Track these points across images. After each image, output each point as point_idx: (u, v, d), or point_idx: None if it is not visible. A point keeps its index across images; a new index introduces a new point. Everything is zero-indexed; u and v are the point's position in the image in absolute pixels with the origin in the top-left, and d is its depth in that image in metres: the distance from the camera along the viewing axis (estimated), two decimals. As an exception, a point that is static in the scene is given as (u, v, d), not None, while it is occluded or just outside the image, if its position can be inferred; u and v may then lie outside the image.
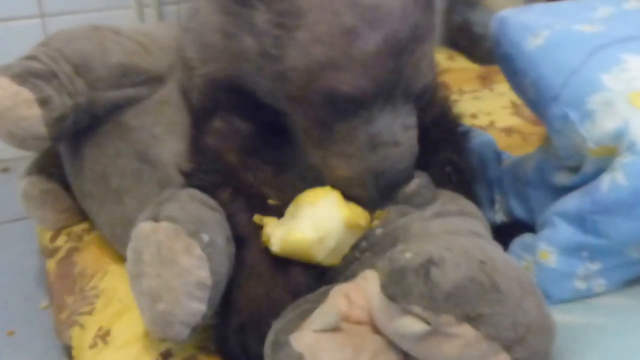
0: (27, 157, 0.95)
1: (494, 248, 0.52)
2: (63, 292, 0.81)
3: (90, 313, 0.73)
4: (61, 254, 0.87)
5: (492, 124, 1.23)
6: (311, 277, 0.61)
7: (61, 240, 0.89)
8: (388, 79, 0.57)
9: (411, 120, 0.61)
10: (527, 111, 1.24)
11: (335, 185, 0.62)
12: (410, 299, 0.45)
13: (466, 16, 1.58)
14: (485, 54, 1.54)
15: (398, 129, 0.60)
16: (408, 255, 0.47)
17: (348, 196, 0.62)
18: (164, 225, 0.57)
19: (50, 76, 0.72)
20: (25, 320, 0.94)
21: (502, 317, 0.45)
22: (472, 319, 0.45)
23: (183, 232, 0.56)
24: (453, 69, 1.53)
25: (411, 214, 0.62)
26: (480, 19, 1.55)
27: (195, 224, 0.57)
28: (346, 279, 0.59)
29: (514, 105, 1.29)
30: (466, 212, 0.64)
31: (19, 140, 0.72)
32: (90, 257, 0.84)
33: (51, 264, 0.87)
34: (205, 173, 0.65)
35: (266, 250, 0.61)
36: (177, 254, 0.56)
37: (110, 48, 0.77)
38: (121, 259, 0.79)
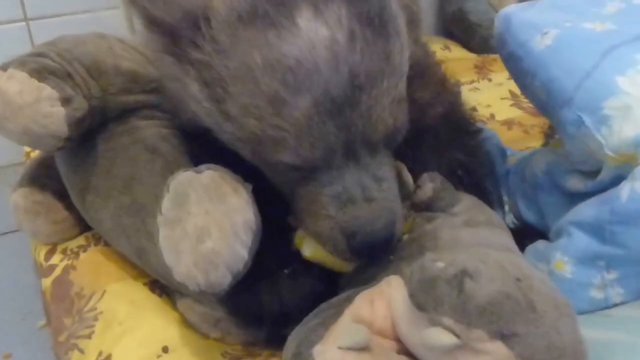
0: (13, 164, 0.91)
1: (528, 265, 0.49)
2: (60, 314, 0.78)
3: (89, 337, 0.71)
4: (57, 272, 0.84)
5: (492, 116, 1.21)
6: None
7: (56, 259, 0.86)
8: (334, 139, 0.51)
9: (385, 170, 0.55)
10: (526, 102, 1.24)
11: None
12: (441, 310, 0.43)
13: (460, 5, 1.56)
14: (481, 42, 1.53)
15: (369, 183, 0.54)
16: (440, 264, 0.45)
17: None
18: (208, 172, 0.57)
19: (65, 76, 0.71)
20: (22, 341, 0.92)
21: (537, 338, 0.43)
22: (506, 337, 0.43)
23: (229, 177, 0.57)
24: (449, 59, 1.51)
25: (438, 219, 0.60)
26: (474, 8, 1.54)
27: (235, 176, 0.58)
28: (365, 281, 0.57)
29: (514, 95, 1.28)
30: (494, 223, 0.62)
31: (35, 138, 0.70)
32: (88, 275, 0.81)
33: (47, 283, 0.84)
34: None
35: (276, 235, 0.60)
36: (226, 194, 0.55)
37: (120, 54, 0.77)
38: (120, 275, 0.79)
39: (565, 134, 0.62)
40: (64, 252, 0.87)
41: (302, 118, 0.50)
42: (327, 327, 0.50)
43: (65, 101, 0.69)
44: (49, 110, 0.68)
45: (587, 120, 0.58)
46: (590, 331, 0.56)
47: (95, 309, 0.75)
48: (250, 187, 0.57)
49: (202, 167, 0.58)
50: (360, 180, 0.53)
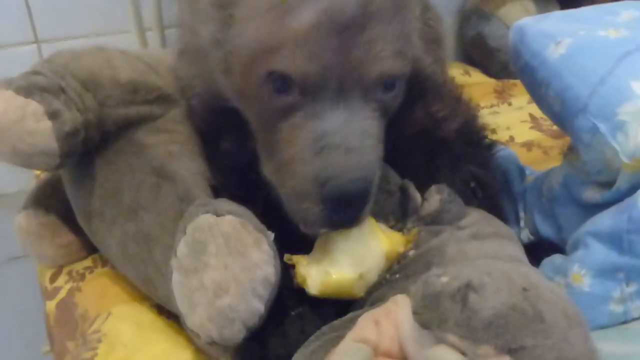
0: (24, 191, 0.90)
1: (537, 275, 0.47)
2: (64, 337, 0.76)
3: (92, 359, 0.69)
4: (62, 294, 0.82)
5: (512, 138, 1.20)
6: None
7: (62, 280, 0.85)
8: (331, 61, 0.50)
9: (373, 127, 0.53)
10: (546, 124, 1.23)
11: (287, 206, 0.56)
12: (445, 327, 0.41)
13: (480, 29, 1.56)
14: (501, 67, 1.53)
15: (353, 133, 0.51)
16: (444, 279, 0.44)
17: (300, 219, 0.55)
18: (230, 218, 0.54)
19: (57, 91, 0.68)
20: (27, 368, 0.90)
21: (547, 350, 0.41)
22: (514, 351, 0.41)
23: (251, 226, 0.54)
24: (469, 84, 1.51)
25: (444, 233, 0.58)
26: (493, 32, 1.53)
27: (258, 222, 0.55)
28: (373, 302, 0.55)
29: (533, 118, 1.27)
30: (502, 235, 0.60)
31: (25, 158, 0.67)
32: (93, 297, 0.79)
33: (51, 306, 0.83)
34: (233, 188, 0.63)
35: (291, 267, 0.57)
36: (247, 247, 0.53)
37: (118, 65, 0.74)
38: (126, 297, 0.77)
39: (580, 142, 0.61)
40: (69, 274, 0.85)
41: (307, 26, 0.49)
42: (328, 350, 0.48)
43: (53, 115, 0.65)
44: (35, 126, 0.65)
45: (602, 127, 0.57)
46: (606, 344, 0.54)
47: (99, 331, 0.73)
48: (272, 235, 0.55)
49: (223, 207, 0.55)
50: (345, 127, 0.51)
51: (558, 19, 0.68)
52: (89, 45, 0.77)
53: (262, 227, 0.55)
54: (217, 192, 0.64)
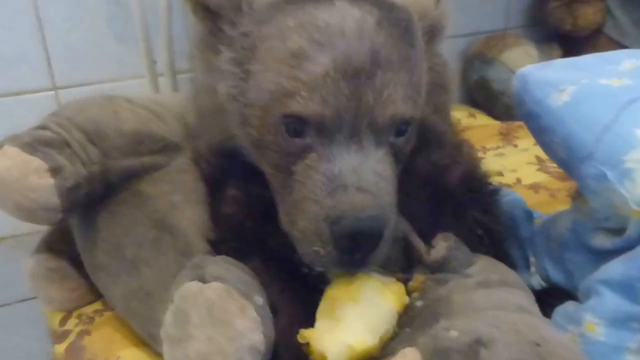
0: (37, 231, 0.91)
1: (547, 327, 0.46)
2: None
3: None
4: (71, 338, 0.82)
5: (518, 181, 1.20)
6: None
7: (71, 324, 0.84)
8: (344, 106, 0.53)
9: (386, 171, 0.55)
10: (553, 167, 1.23)
11: (300, 247, 0.55)
12: None
13: (483, 73, 1.58)
14: (505, 109, 1.54)
15: (366, 174, 0.52)
16: (453, 333, 0.43)
17: (312, 260, 0.54)
18: (215, 285, 0.53)
19: (62, 145, 0.69)
20: (33, 412, 0.89)
21: None
22: None
23: (236, 292, 0.53)
24: (474, 127, 1.52)
25: (451, 282, 0.57)
26: (497, 76, 1.56)
27: (246, 285, 0.54)
28: (382, 356, 0.54)
29: (540, 160, 1.27)
30: (509, 283, 0.59)
31: (28, 213, 0.67)
32: (102, 341, 0.79)
33: (60, 349, 0.82)
34: (232, 241, 0.63)
35: (298, 321, 0.56)
36: (231, 315, 0.52)
37: (124, 116, 0.75)
38: (135, 341, 0.76)
39: (587, 189, 0.61)
40: (79, 317, 0.85)
41: (320, 72, 0.52)
42: None
43: (55, 171, 0.66)
44: (37, 182, 0.66)
45: (610, 174, 0.57)
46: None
47: None
48: (260, 300, 0.54)
49: (211, 272, 0.54)
50: (359, 168, 0.52)
51: (560, 67, 0.69)
52: (98, 94, 0.79)
53: (250, 293, 0.54)
54: (215, 245, 0.64)
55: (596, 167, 0.58)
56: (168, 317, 0.55)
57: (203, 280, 0.54)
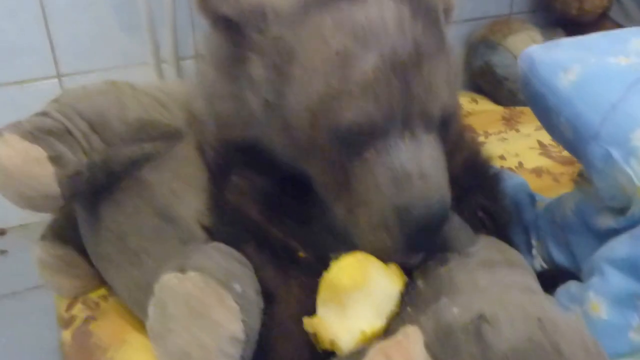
0: (46, 221, 0.90)
1: (551, 305, 0.46)
2: None
3: None
4: (77, 323, 0.82)
5: (520, 164, 1.20)
6: None
7: (77, 309, 0.85)
8: (396, 100, 0.53)
9: (438, 152, 0.55)
10: (555, 151, 1.23)
11: (362, 240, 0.56)
12: None
13: (487, 59, 1.57)
14: (508, 95, 1.54)
15: (424, 161, 0.53)
16: (455, 310, 0.43)
17: (377, 251, 0.55)
18: (192, 275, 0.53)
19: (63, 133, 0.69)
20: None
21: None
22: None
23: (214, 282, 0.52)
24: (477, 112, 1.52)
25: (452, 262, 0.57)
26: (501, 61, 1.55)
27: (226, 274, 0.53)
28: (384, 336, 0.54)
29: (542, 145, 1.27)
30: (513, 262, 0.59)
31: (29, 201, 0.68)
32: (108, 326, 0.79)
33: (66, 335, 0.82)
34: (229, 227, 0.62)
35: (295, 306, 0.56)
36: (208, 307, 0.51)
37: (126, 103, 0.75)
38: (141, 326, 0.75)
39: (593, 169, 0.61)
40: (84, 302, 0.86)
41: (370, 71, 0.52)
42: None
43: (55, 160, 0.66)
44: (37, 170, 0.66)
45: (615, 153, 0.56)
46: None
47: (113, 359, 0.73)
48: (240, 288, 0.53)
49: (192, 262, 0.54)
50: (416, 156, 0.53)
51: (567, 47, 0.68)
52: (102, 80, 0.79)
53: (228, 279, 0.53)
54: (211, 232, 0.63)
55: (602, 147, 0.58)
56: (150, 311, 0.54)
57: (183, 270, 0.53)
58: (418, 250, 0.55)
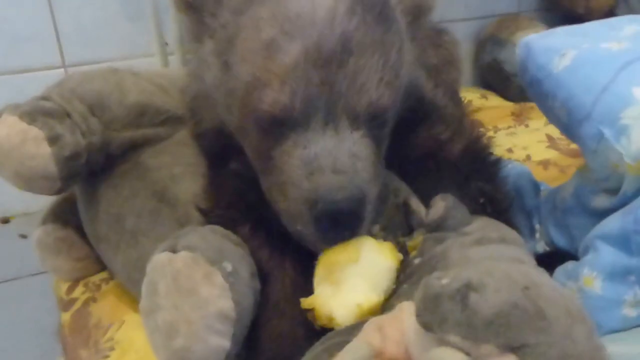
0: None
1: (538, 274, 0.47)
2: (77, 346, 0.77)
3: None
4: (77, 305, 0.83)
5: (528, 157, 1.21)
6: None
7: (78, 292, 0.86)
8: (316, 95, 0.53)
9: (363, 150, 0.55)
10: (563, 144, 1.24)
11: (285, 223, 0.57)
12: (446, 327, 0.41)
13: (496, 55, 1.58)
14: (518, 91, 1.54)
15: (341, 157, 0.53)
16: (444, 280, 0.44)
17: (294, 235, 0.56)
18: (182, 254, 0.53)
19: (62, 115, 0.70)
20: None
21: (549, 347, 0.41)
22: (516, 349, 0.41)
23: (203, 260, 0.53)
24: (487, 107, 1.52)
25: (448, 240, 0.58)
26: (509, 58, 1.55)
27: (217, 253, 0.54)
28: (382, 312, 0.56)
29: (550, 138, 1.27)
30: (508, 240, 0.60)
31: (26, 180, 0.69)
32: (107, 306, 0.80)
33: (66, 316, 0.84)
34: (224, 209, 0.64)
35: (290, 286, 0.58)
36: (196, 283, 0.51)
37: (127, 88, 0.76)
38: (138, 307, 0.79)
39: (587, 150, 0.62)
40: (86, 285, 0.86)
41: (290, 63, 0.52)
42: (332, 354, 0.48)
43: (52, 140, 0.68)
44: (35, 150, 0.67)
45: (607, 132, 0.58)
46: (621, 346, 0.54)
47: (112, 339, 0.74)
48: (230, 267, 0.54)
49: (184, 242, 0.55)
50: (334, 151, 0.53)
51: (563, 34, 0.70)
52: (103, 67, 0.80)
53: (219, 258, 0.53)
54: (206, 214, 0.65)
55: (594, 126, 0.60)
56: (143, 289, 0.55)
57: (174, 250, 0.54)
58: (334, 240, 0.56)
